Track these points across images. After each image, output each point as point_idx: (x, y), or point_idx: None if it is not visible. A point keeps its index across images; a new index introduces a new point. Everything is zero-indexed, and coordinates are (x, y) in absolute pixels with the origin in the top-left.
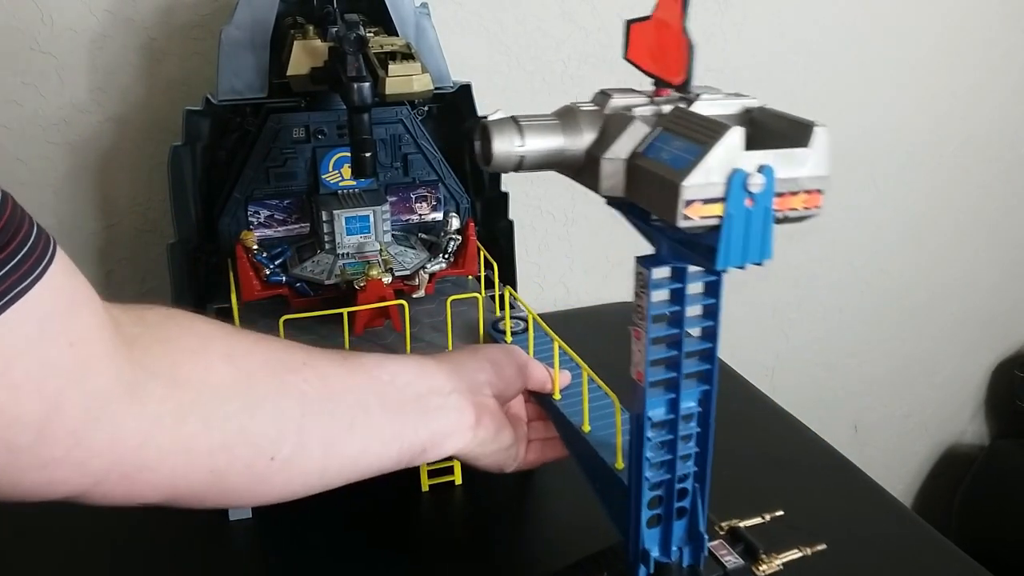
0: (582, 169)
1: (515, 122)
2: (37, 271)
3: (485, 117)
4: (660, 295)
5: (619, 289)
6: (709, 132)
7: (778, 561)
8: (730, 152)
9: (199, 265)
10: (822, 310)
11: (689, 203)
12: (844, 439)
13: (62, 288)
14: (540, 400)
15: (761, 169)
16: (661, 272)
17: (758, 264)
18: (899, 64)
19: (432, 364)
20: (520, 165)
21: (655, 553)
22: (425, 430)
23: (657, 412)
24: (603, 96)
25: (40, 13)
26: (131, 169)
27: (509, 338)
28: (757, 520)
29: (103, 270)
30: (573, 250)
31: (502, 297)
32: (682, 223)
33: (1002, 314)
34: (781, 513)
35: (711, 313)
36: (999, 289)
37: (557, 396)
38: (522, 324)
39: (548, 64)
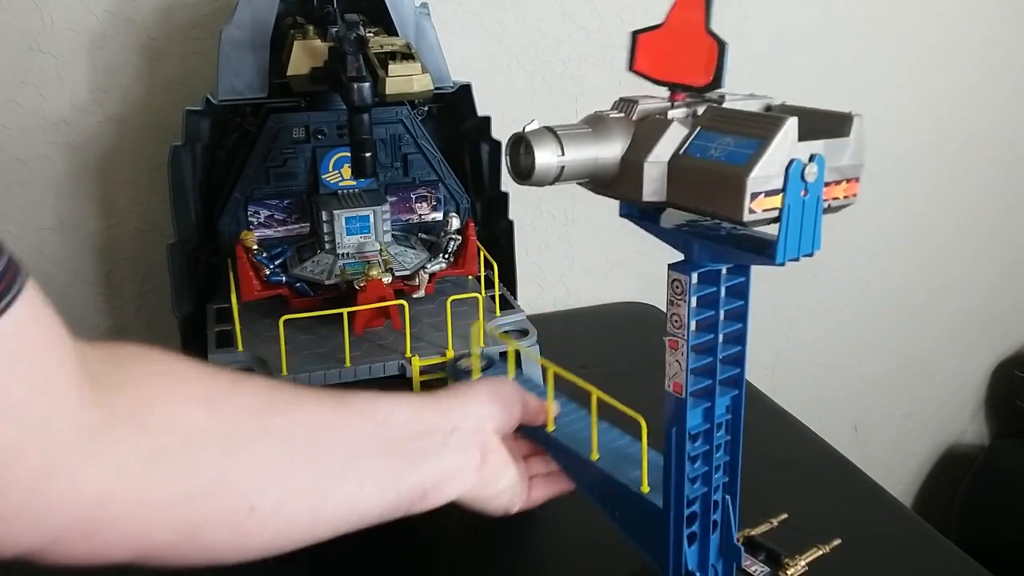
0: (616, 178)
1: (553, 133)
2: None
3: (522, 130)
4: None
5: (619, 289)
6: (764, 125)
7: (802, 562)
8: (788, 143)
9: (199, 265)
10: (822, 310)
11: (755, 196)
12: (844, 439)
13: (26, 325)
14: (533, 434)
15: (813, 158)
16: (698, 277)
17: (809, 255)
18: (899, 64)
19: (430, 401)
20: (558, 177)
21: (698, 572)
22: (426, 472)
23: (695, 424)
24: (627, 103)
25: (40, 13)
26: (131, 169)
27: (477, 374)
28: (766, 527)
29: (103, 270)
30: (573, 250)
31: (503, 297)
32: (747, 217)
33: (1002, 314)
34: (785, 516)
35: (740, 315)
36: (999, 289)
37: (551, 427)
38: (485, 361)
39: (548, 64)
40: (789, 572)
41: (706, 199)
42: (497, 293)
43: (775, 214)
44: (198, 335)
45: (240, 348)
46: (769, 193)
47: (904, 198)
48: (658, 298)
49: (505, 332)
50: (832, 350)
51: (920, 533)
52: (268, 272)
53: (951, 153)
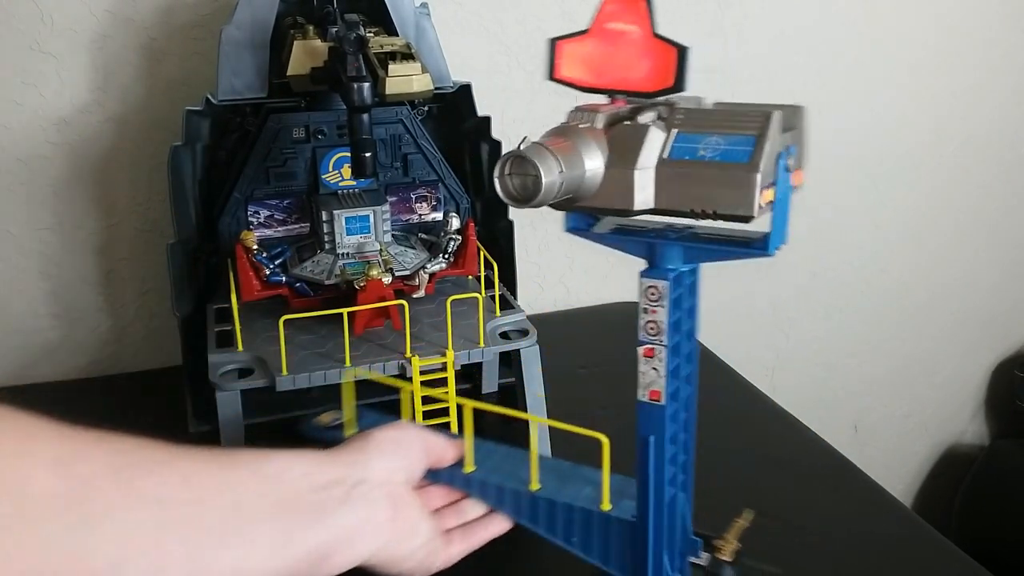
0: (598, 190)
1: (548, 148)
2: None
3: (517, 149)
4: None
5: (619, 289)
6: (752, 121)
7: (731, 538)
8: (776, 136)
9: (199, 265)
10: (822, 310)
11: (762, 190)
12: (844, 439)
13: None
14: (450, 478)
15: (789, 150)
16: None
17: (782, 245)
18: (899, 64)
19: (331, 455)
20: (558, 195)
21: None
22: (327, 530)
23: (674, 430)
24: (587, 112)
25: (40, 13)
26: (131, 169)
27: (352, 430)
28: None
29: (103, 270)
30: (573, 250)
31: (503, 297)
32: (757, 212)
33: (1002, 314)
34: (749, 517)
35: (694, 311)
36: (999, 289)
37: (469, 468)
38: (338, 417)
39: None
40: (726, 549)
41: (707, 200)
42: (497, 293)
43: (770, 207)
44: (198, 335)
45: (240, 348)
46: (767, 186)
47: (904, 198)
48: None
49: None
50: (832, 350)
51: (920, 533)
52: (268, 272)
53: (951, 153)
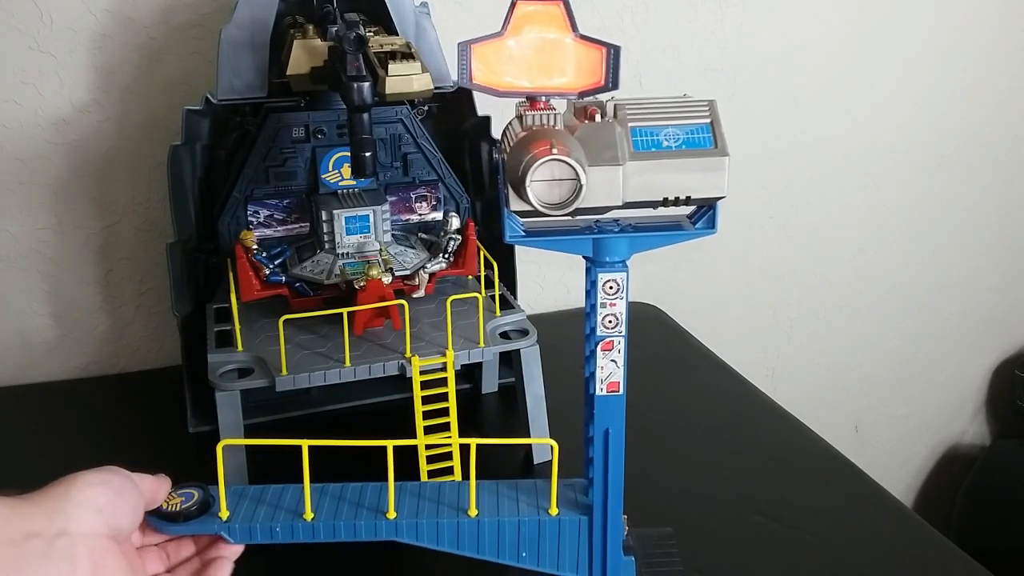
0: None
1: (570, 151)
2: None
3: (552, 155)
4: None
5: None
6: (699, 109)
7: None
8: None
9: (199, 265)
10: (822, 310)
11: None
12: (844, 439)
13: None
14: (373, 530)
15: None
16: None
17: None
18: (899, 64)
19: (26, 503)
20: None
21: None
22: None
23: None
24: (538, 114)
25: (40, 13)
26: (131, 169)
27: (225, 513)
28: None
29: (103, 270)
30: None
31: (503, 297)
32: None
33: (1002, 314)
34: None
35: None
36: (1000, 289)
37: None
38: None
39: None
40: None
41: (680, 187)
42: (497, 293)
43: None
44: (198, 335)
45: (240, 348)
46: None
47: (904, 198)
48: (658, 298)
49: None
50: (833, 350)
51: (920, 533)
52: (268, 272)
53: (951, 153)
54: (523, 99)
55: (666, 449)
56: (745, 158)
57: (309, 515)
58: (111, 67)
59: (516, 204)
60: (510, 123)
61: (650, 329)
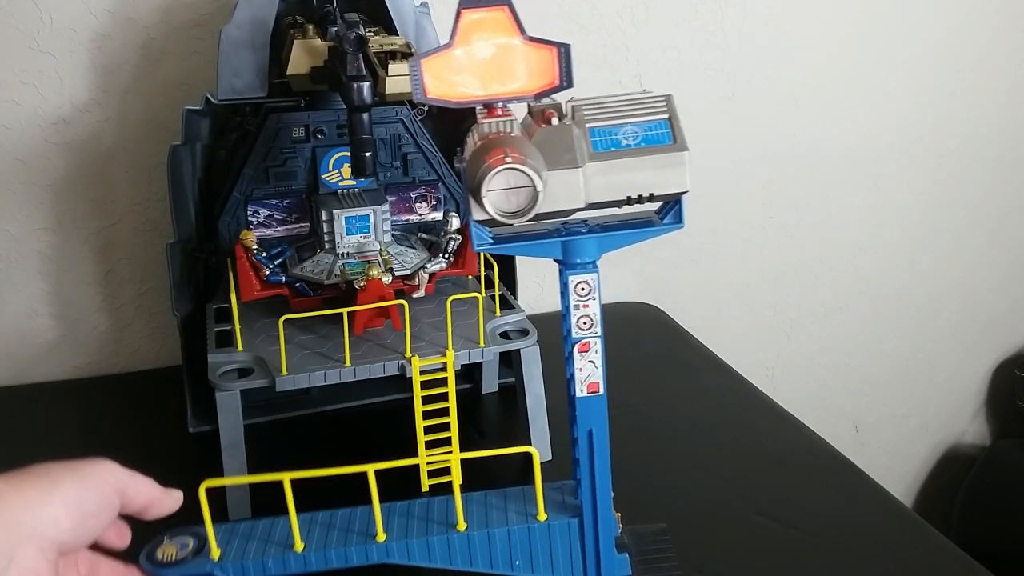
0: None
1: (525, 159)
2: None
3: (505, 165)
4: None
5: (619, 289)
6: (655, 105)
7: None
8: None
9: (199, 265)
10: (822, 310)
11: None
12: (844, 439)
13: None
14: (364, 554)
15: None
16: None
17: None
18: (899, 64)
19: None
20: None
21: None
22: None
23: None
24: (496, 121)
25: (40, 13)
26: (131, 169)
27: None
28: None
29: (103, 270)
30: None
31: (503, 297)
32: (689, 186)
33: (1002, 314)
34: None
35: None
36: (999, 289)
37: (381, 537)
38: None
39: None
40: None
41: (642, 185)
42: (497, 293)
43: None
44: (198, 335)
45: (240, 348)
46: None
47: (904, 198)
48: (658, 298)
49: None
50: (832, 350)
51: (920, 533)
52: (268, 272)
53: (951, 153)
54: (481, 107)
55: (666, 449)
56: (745, 158)
57: (300, 546)
58: (111, 67)
59: (477, 214)
60: (470, 132)
61: (650, 329)
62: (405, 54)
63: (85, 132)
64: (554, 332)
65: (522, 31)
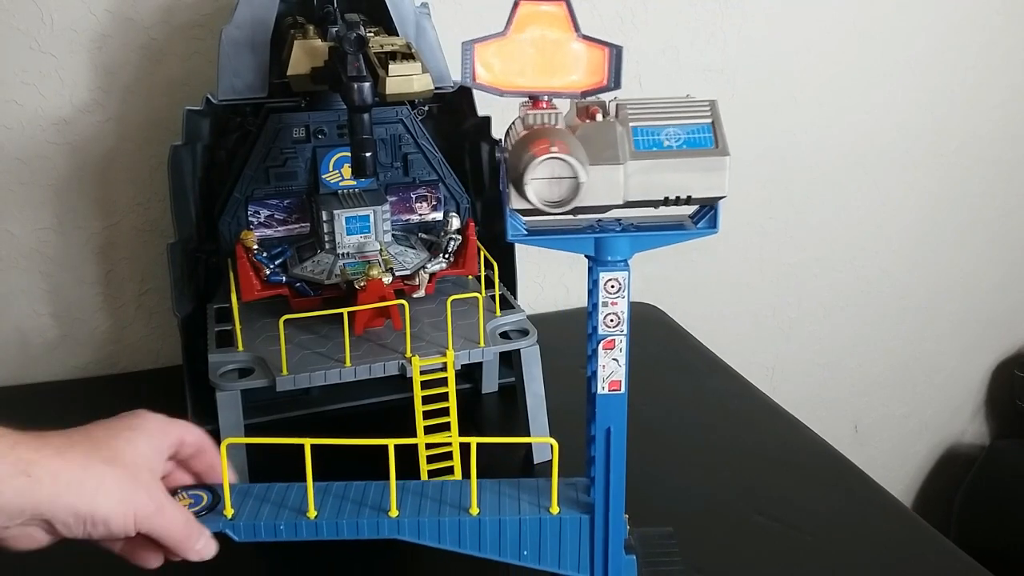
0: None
1: (570, 150)
2: None
3: (551, 154)
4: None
5: None
6: (700, 109)
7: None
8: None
9: (199, 265)
10: (822, 310)
11: None
12: (844, 439)
13: None
14: (375, 527)
15: None
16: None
17: None
18: (899, 64)
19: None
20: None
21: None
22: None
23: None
24: (540, 113)
25: (40, 13)
26: (131, 169)
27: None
28: None
29: (103, 270)
30: None
31: (503, 297)
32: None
33: (1002, 314)
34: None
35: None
36: (999, 289)
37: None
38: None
39: None
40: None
41: (681, 186)
42: (497, 293)
43: None
44: (198, 335)
45: (240, 348)
46: None
47: (904, 198)
48: (658, 298)
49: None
50: (832, 350)
51: (920, 533)
52: (268, 272)
53: (951, 153)
54: (526, 99)
55: (666, 449)
56: (745, 158)
57: (312, 513)
58: (112, 67)
59: (517, 202)
60: (513, 123)
61: (650, 329)
62: (405, 54)
63: (86, 132)
64: (554, 332)
65: (577, 28)
